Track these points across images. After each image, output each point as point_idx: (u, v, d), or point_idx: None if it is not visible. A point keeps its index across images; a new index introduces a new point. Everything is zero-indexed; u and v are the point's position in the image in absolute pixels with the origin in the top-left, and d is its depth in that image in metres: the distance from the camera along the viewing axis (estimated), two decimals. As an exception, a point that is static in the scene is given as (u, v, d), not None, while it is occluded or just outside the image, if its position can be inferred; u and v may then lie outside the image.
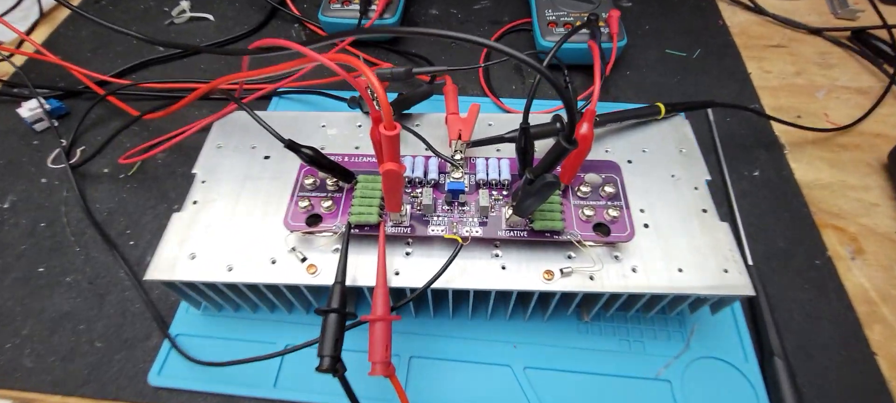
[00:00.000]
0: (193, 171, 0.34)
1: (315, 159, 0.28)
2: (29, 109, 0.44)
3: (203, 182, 0.33)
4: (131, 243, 0.39)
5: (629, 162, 0.34)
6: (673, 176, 0.34)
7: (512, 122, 0.36)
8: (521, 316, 0.34)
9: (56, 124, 0.45)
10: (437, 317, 0.34)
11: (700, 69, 0.52)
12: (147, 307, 0.34)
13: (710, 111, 0.47)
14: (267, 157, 0.35)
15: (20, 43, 0.54)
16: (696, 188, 0.33)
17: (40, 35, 0.56)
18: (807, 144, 0.46)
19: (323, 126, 0.37)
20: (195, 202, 0.32)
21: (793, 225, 0.40)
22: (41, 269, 0.37)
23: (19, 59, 0.51)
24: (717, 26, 0.56)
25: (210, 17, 0.57)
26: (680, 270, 0.29)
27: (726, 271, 0.29)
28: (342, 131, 0.36)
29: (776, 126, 0.46)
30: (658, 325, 0.34)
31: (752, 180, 0.43)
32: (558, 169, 0.29)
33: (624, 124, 0.37)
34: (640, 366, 0.33)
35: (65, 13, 0.58)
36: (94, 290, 0.36)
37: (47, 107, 0.45)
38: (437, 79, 0.40)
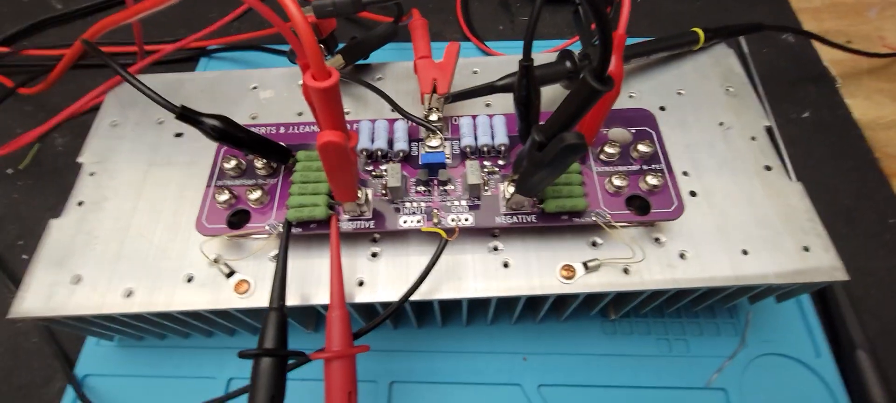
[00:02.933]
0: (79, 160, 0.25)
1: (226, 133, 0.20)
2: None
3: (92, 174, 0.25)
4: (25, 256, 0.31)
5: (662, 108, 0.26)
6: (721, 124, 0.25)
7: (504, 66, 0.27)
8: (530, 318, 0.27)
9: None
10: (424, 328, 0.26)
11: (725, -9, 0.43)
12: (46, 341, 0.27)
13: (743, 40, 0.38)
14: (179, 135, 0.26)
15: None
16: (753, 138, 0.25)
17: None
18: (862, 75, 0.38)
19: (254, 87, 0.28)
20: (81, 203, 0.24)
21: (856, 176, 0.32)
22: None
23: None
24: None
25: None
26: (745, 252, 0.21)
27: (807, 249, 0.21)
28: (279, 93, 0.27)
29: (825, 55, 0.38)
30: (704, 317, 0.27)
31: (802, 123, 0.35)
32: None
33: (651, 60, 0.28)
34: (685, 373, 0.26)
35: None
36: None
37: None
38: (404, 19, 0.31)
